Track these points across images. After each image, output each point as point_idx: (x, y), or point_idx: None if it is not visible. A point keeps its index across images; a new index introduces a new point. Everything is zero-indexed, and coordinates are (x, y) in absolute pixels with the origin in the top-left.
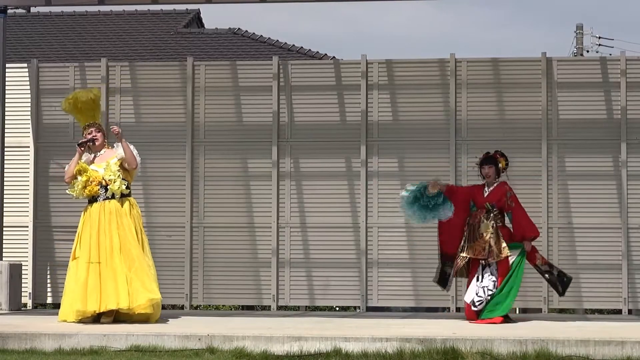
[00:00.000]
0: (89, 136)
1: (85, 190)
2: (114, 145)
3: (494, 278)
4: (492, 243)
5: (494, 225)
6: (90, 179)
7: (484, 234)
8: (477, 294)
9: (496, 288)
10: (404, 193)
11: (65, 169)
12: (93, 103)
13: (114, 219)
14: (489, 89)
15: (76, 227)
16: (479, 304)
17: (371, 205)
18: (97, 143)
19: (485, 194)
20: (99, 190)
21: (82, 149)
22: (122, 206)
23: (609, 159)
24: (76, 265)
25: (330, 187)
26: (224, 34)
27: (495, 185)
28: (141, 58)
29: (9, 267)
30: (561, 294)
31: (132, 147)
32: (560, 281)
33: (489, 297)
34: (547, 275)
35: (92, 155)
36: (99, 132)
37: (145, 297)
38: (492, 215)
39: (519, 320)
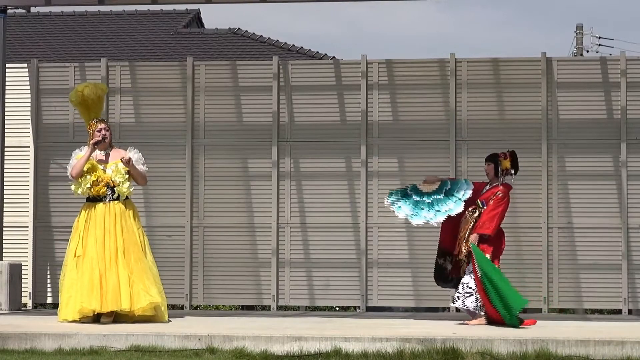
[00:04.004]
0: (99, 134)
1: (92, 190)
2: (129, 149)
3: (472, 275)
4: (463, 239)
5: (474, 223)
6: (99, 179)
7: (462, 230)
8: (457, 290)
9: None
10: (390, 199)
11: (70, 163)
12: (100, 100)
13: (119, 221)
14: (489, 89)
15: None
16: (456, 300)
17: (371, 205)
18: (106, 141)
19: (483, 192)
20: (106, 191)
21: (96, 147)
22: (125, 208)
23: (609, 159)
24: (77, 264)
25: (330, 187)
26: (224, 34)
27: (494, 185)
28: (141, 58)
29: (9, 267)
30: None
31: (137, 155)
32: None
33: (467, 295)
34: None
35: (100, 153)
36: (108, 130)
37: (146, 300)
38: (478, 212)
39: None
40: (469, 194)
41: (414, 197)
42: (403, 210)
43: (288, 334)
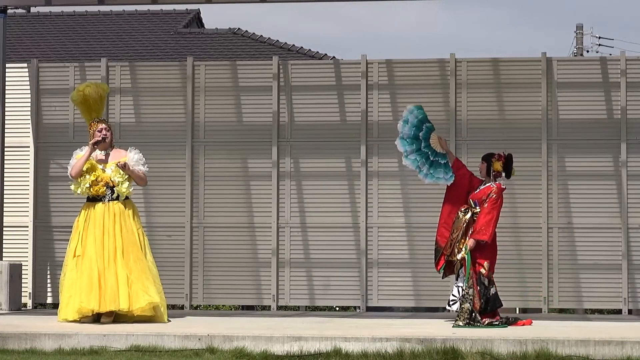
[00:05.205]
0: (99, 134)
1: (91, 189)
2: (129, 149)
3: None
4: (456, 241)
5: (467, 225)
6: (98, 179)
7: (454, 232)
8: (452, 294)
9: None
10: (410, 110)
11: (70, 162)
12: (101, 100)
13: (118, 221)
14: (489, 89)
15: None
16: (452, 304)
17: (371, 205)
18: (107, 141)
19: (477, 190)
20: (105, 190)
21: (96, 147)
22: (125, 208)
23: (609, 159)
24: (77, 263)
25: (330, 187)
26: (224, 34)
27: (486, 184)
28: (141, 58)
29: (9, 267)
30: (483, 308)
31: (138, 156)
32: (491, 300)
33: (463, 297)
34: (479, 288)
35: (100, 153)
36: (108, 131)
37: (145, 300)
38: (470, 213)
39: (518, 320)
40: (443, 181)
41: (420, 136)
42: (405, 129)
43: (288, 334)
